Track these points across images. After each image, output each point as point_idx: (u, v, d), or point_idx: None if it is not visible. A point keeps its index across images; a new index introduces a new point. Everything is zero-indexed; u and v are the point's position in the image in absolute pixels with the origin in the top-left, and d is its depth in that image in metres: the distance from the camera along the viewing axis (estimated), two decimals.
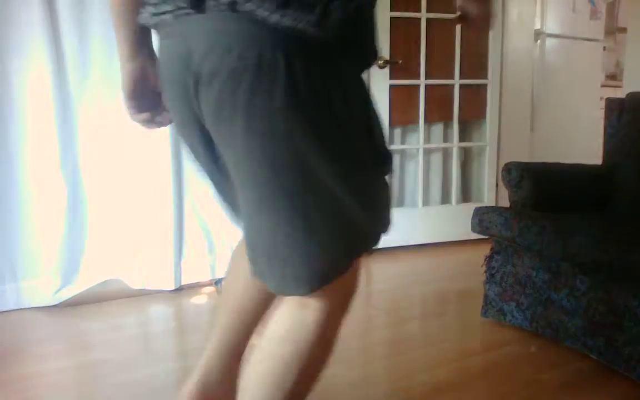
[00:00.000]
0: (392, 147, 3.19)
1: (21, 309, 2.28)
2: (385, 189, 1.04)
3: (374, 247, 1.01)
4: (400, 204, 3.39)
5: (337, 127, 0.89)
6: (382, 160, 1.01)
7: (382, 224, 1.02)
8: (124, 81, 1.06)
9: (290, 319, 0.98)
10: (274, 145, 0.85)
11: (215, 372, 1.26)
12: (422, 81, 3.19)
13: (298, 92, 0.83)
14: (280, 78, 0.82)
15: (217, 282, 2.55)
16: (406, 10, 3.11)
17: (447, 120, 3.37)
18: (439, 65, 3.24)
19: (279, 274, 0.93)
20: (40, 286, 2.31)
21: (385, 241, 1.04)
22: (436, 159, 3.44)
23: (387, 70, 3.07)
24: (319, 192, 0.89)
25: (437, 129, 3.39)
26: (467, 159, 3.56)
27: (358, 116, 0.93)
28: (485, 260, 2.13)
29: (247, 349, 1.26)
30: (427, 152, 3.39)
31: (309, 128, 0.85)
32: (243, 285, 1.24)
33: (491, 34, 3.30)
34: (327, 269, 0.92)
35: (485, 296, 2.13)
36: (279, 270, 0.93)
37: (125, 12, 1.01)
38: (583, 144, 3.98)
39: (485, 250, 2.17)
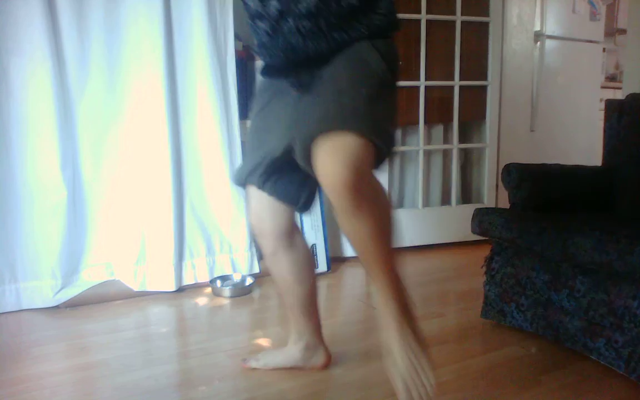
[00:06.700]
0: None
1: (21, 310, 2.28)
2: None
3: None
4: (401, 205, 3.38)
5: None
6: None
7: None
8: None
9: None
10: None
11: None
12: (422, 82, 3.19)
13: None
14: None
15: (211, 281, 2.55)
16: (406, 11, 3.10)
17: (447, 121, 3.37)
18: (439, 67, 3.24)
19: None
20: (40, 287, 2.30)
21: None
22: (436, 161, 3.44)
23: None
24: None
25: (437, 130, 3.39)
26: (467, 160, 3.57)
27: None
28: (485, 261, 2.13)
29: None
30: (427, 154, 3.39)
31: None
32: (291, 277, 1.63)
33: (491, 35, 3.31)
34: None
35: (485, 297, 2.13)
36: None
37: None
38: (583, 144, 3.98)
39: (485, 251, 2.17)
